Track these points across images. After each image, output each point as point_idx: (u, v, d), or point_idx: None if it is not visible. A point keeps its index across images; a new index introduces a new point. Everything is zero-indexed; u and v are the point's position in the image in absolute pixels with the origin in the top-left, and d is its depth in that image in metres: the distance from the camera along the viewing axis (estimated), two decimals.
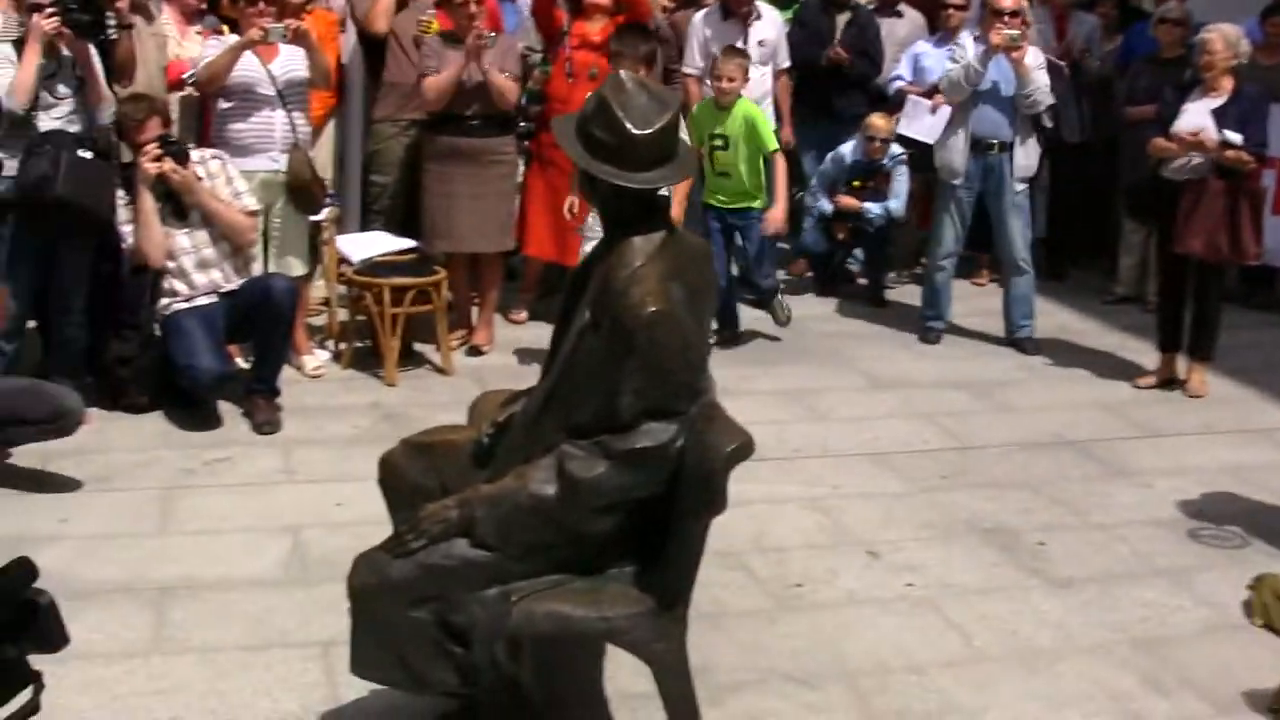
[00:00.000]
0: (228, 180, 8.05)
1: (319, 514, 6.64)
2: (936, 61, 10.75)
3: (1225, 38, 8.78)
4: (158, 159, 7.68)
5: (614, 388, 4.10)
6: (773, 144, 9.45)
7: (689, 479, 4.13)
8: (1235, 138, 8.51)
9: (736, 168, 9.49)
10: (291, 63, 8.63)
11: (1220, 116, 8.66)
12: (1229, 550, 6.60)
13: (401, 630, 4.23)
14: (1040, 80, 9.63)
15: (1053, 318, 10.74)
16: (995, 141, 9.77)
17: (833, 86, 11.23)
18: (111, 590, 5.79)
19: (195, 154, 8.03)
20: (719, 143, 9.43)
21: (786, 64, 10.88)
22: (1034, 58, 9.66)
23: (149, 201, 7.75)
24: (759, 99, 10.44)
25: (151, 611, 5.61)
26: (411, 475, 4.86)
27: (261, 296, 7.87)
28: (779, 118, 10.81)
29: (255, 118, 8.59)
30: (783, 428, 8.11)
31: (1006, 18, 9.40)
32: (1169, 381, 9.20)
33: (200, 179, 7.93)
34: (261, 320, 7.91)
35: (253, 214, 8.12)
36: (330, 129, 9.90)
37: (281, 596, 5.79)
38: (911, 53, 11.24)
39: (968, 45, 9.84)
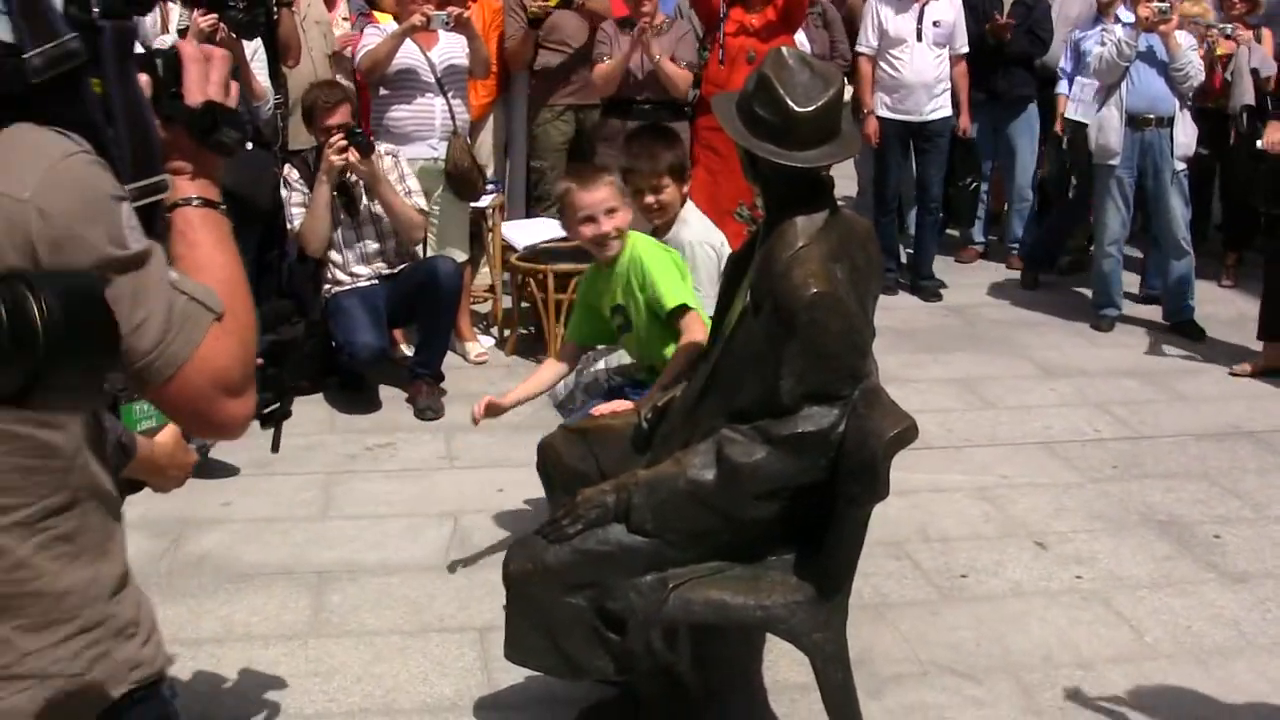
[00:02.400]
0: (400, 178, 8.03)
1: (480, 500, 6.64)
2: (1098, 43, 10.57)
3: None
4: (343, 150, 7.69)
5: (774, 371, 4.02)
6: (674, 297, 5.49)
7: (850, 464, 4.03)
8: None
9: (650, 351, 5.80)
10: (451, 50, 8.66)
11: None
12: None
13: (557, 616, 4.19)
14: (1193, 58, 9.40)
15: (1231, 305, 10.50)
16: (1153, 116, 9.53)
17: (997, 67, 11.02)
18: (272, 574, 5.82)
19: (380, 146, 8.06)
20: (619, 320, 5.85)
21: (964, 49, 10.70)
22: (1184, 36, 9.42)
23: (325, 193, 7.77)
24: (933, 83, 10.30)
25: (311, 595, 5.64)
26: (570, 460, 4.85)
27: (426, 278, 7.89)
28: (956, 106, 10.70)
29: (415, 105, 8.64)
30: (951, 416, 7.98)
31: None
32: (1275, 370, 8.90)
33: None
34: (425, 302, 7.94)
35: (423, 213, 8.11)
36: (495, 115, 9.91)
37: (440, 582, 5.78)
38: (1071, 40, 11.00)
39: (1117, 28, 9.63)
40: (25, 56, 1.94)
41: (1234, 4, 10.26)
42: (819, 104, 4.04)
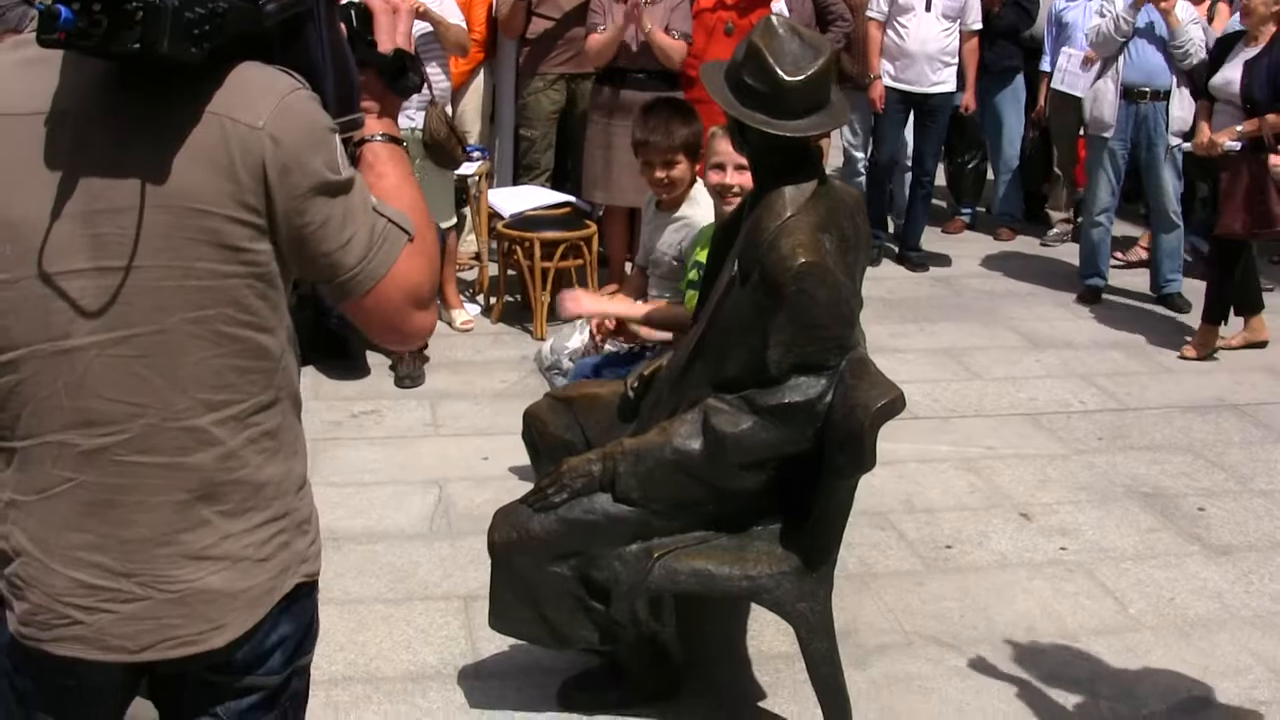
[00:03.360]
0: None
1: (465, 468, 6.63)
2: (1080, 15, 10.57)
3: None
4: None
5: (762, 341, 4.02)
6: None
7: (836, 435, 4.03)
8: (1230, 144, 8.33)
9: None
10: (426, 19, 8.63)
11: (1250, 70, 8.37)
12: None
13: (541, 585, 4.19)
14: (1193, 33, 9.33)
15: None
16: (1148, 89, 9.45)
17: (984, 38, 10.89)
18: None
19: None
20: (695, 274, 5.53)
21: (978, 25, 10.59)
22: (1185, 11, 9.35)
23: None
24: (937, 55, 10.23)
25: None
26: (555, 429, 4.83)
27: None
28: (963, 83, 10.68)
29: None
30: (936, 387, 7.98)
31: None
32: (1255, 344, 8.96)
33: None
34: None
35: None
36: (480, 83, 9.87)
37: (425, 550, 5.78)
38: (1053, 11, 10.96)
39: (1117, 0, 9.58)
40: (261, 3, 2.21)
41: None
42: (809, 73, 4.02)
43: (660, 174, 6.13)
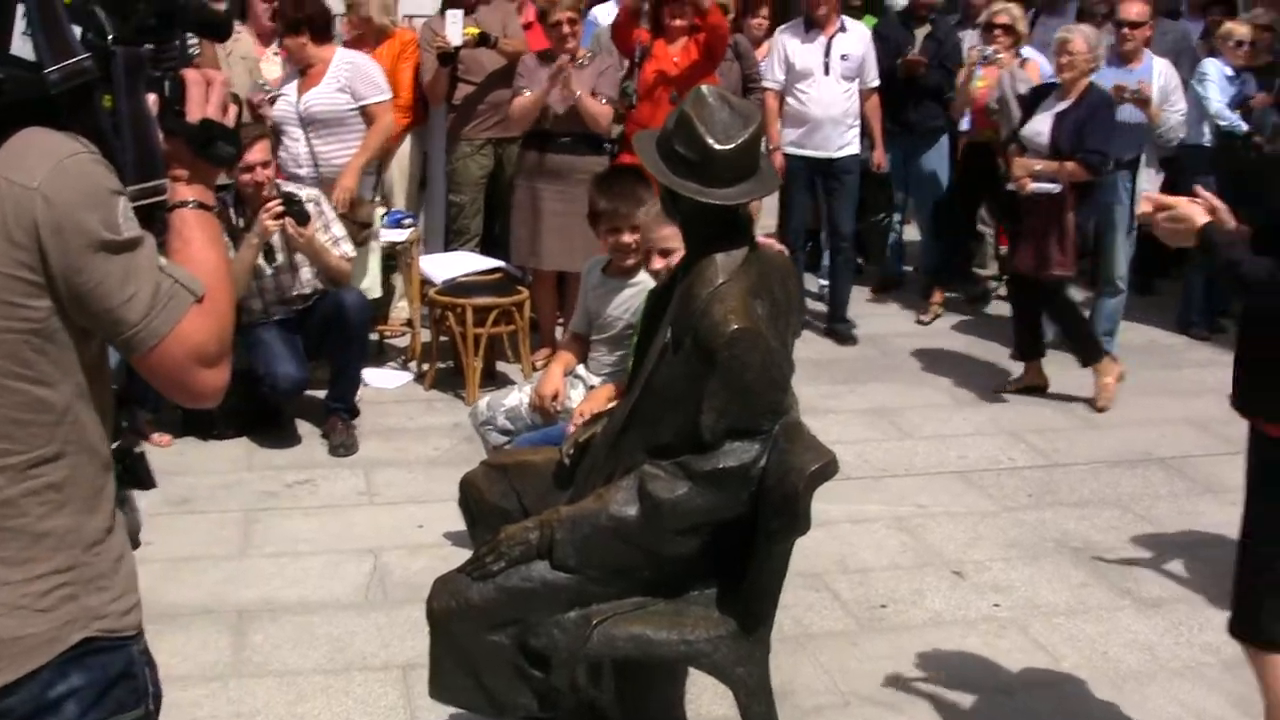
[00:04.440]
0: (325, 225, 7.95)
1: (400, 536, 6.63)
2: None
3: (1087, 38, 8.70)
4: (279, 216, 7.57)
5: (696, 407, 4.04)
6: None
7: (771, 499, 4.06)
8: (1045, 188, 8.56)
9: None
10: (321, 97, 8.72)
11: (1059, 122, 8.60)
12: None
13: (480, 654, 4.19)
14: (1171, 119, 9.64)
15: (1141, 332, 10.59)
16: (1114, 159, 9.45)
17: (909, 99, 10.98)
18: (192, 613, 5.78)
19: (300, 192, 7.99)
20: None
21: (875, 82, 10.56)
22: (1163, 91, 9.61)
23: (251, 257, 7.64)
24: (841, 117, 10.26)
25: (231, 634, 5.60)
26: (492, 497, 4.83)
27: (334, 311, 7.85)
28: (870, 140, 10.74)
29: (285, 148, 8.70)
30: (867, 446, 8.04)
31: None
32: (1034, 388, 9.24)
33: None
34: (334, 336, 7.90)
35: (349, 260, 8.08)
36: (407, 148, 9.91)
37: (361, 619, 5.77)
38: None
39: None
40: (45, 72, 2.31)
41: (995, 36, 10.26)
42: (738, 142, 4.07)
43: (628, 239, 6.15)
